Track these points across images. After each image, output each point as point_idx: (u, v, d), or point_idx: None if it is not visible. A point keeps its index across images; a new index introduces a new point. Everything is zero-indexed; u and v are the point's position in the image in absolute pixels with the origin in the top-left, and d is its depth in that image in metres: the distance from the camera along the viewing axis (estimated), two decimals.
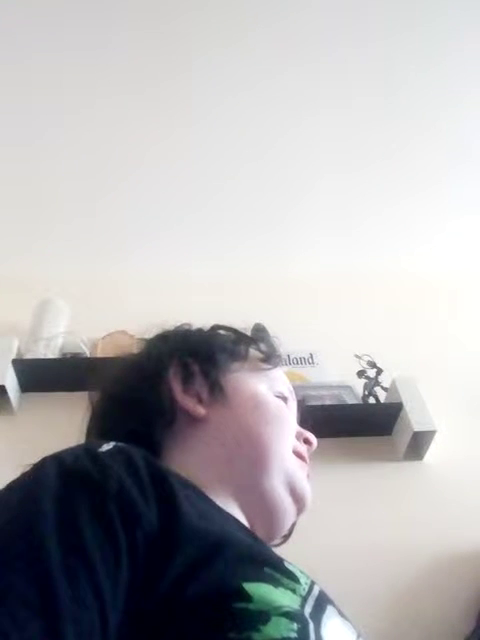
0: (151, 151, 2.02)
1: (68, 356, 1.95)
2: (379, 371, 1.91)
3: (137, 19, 1.74)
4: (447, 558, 1.64)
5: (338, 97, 1.93)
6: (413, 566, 1.63)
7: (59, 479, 0.59)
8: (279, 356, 0.97)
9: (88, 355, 1.93)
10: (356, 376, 1.91)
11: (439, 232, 2.31)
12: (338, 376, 1.95)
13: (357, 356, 1.90)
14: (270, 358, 0.95)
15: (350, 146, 2.05)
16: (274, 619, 0.55)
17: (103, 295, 2.09)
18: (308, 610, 0.62)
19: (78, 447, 0.66)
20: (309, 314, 2.09)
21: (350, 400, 1.90)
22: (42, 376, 1.86)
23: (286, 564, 0.67)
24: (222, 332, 0.98)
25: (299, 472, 0.84)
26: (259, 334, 1.04)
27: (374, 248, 2.32)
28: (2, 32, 1.73)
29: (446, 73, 1.91)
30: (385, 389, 1.91)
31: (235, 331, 0.98)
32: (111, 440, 0.74)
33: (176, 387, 0.86)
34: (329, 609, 0.66)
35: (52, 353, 1.92)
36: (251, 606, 0.55)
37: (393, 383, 1.88)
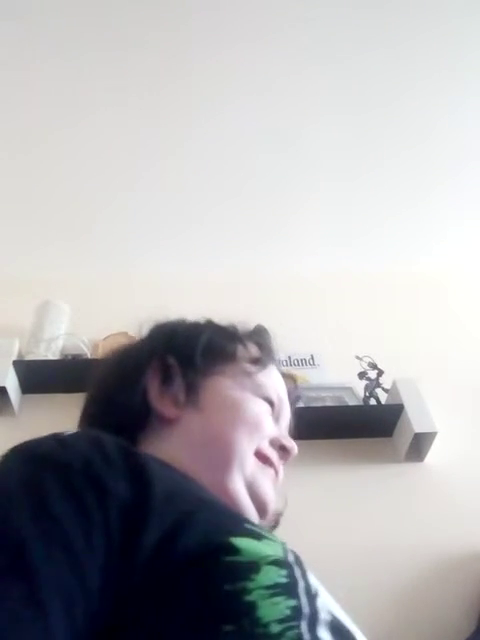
0: (152, 153, 2.02)
1: (69, 357, 1.95)
2: (380, 372, 1.91)
3: (138, 22, 1.74)
4: (448, 559, 1.64)
5: (342, 101, 1.93)
6: (414, 567, 1.63)
7: (25, 464, 0.61)
8: (272, 358, 0.94)
9: (89, 356, 1.93)
10: (357, 377, 1.91)
11: (440, 233, 2.31)
12: (339, 377, 1.95)
13: (358, 357, 1.90)
14: (260, 360, 0.91)
15: (351, 150, 2.05)
16: (264, 568, 0.57)
17: (104, 296, 2.09)
18: (291, 557, 0.63)
19: (44, 436, 0.68)
20: (310, 315, 2.09)
21: (351, 401, 1.90)
22: (43, 377, 1.86)
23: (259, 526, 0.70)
24: (214, 328, 0.95)
25: (261, 478, 0.81)
26: (255, 334, 0.97)
27: (375, 250, 2.32)
28: (4, 35, 1.73)
29: (449, 79, 1.91)
30: (386, 390, 1.91)
31: (227, 328, 0.95)
32: None
33: (152, 388, 0.85)
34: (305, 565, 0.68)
35: (53, 354, 1.93)
36: (241, 558, 0.57)
37: (394, 384, 1.88)
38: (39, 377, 1.86)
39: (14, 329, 1.98)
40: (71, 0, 1.68)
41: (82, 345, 1.95)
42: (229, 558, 0.57)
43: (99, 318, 1.99)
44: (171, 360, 0.87)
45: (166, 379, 0.86)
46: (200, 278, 2.12)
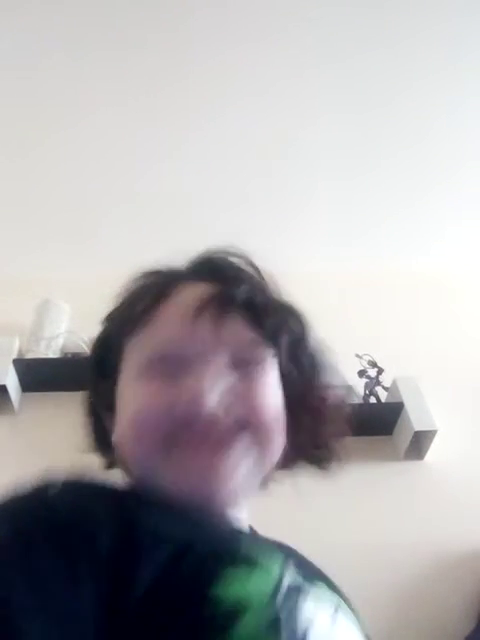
0: (152, 154, 2.02)
1: (69, 356, 1.95)
2: (380, 371, 1.91)
3: (139, 24, 1.74)
4: (448, 557, 1.65)
5: (341, 101, 1.93)
6: (414, 565, 1.63)
7: (12, 539, 0.55)
8: (158, 293, 0.71)
9: (89, 355, 1.93)
10: (357, 376, 1.91)
11: (440, 232, 2.31)
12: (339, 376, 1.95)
13: (358, 356, 1.90)
14: (145, 309, 0.70)
15: (351, 150, 2.05)
16: (245, 616, 0.54)
17: (104, 295, 2.09)
18: (282, 592, 0.59)
19: (27, 494, 0.60)
20: (309, 313, 2.09)
21: (351, 400, 1.90)
22: (43, 376, 1.86)
23: (258, 551, 0.63)
24: (112, 318, 0.82)
25: (159, 469, 0.64)
26: (137, 282, 0.78)
27: (375, 248, 2.32)
28: (4, 38, 1.74)
29: (448, 79, 1.91)
30: (386, 389, 1.91)
31: (116, 305, 0.81)
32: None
33: (103, 416, 0.75)
34: (303, 591, 0.63)
35: (53, 353, 1.93)
36: (221, 608, 0.53)
37: (394, 383, 1.89)
38: (39, 375, 1.86)
39: (14, 328, 1.99)
40: (72, 1, 1.69)
41: (82, 344, 1.95)
42: (209, 610, 0.53)
43: (99, 317, 1.98)
44: (96, 375, 0.77)
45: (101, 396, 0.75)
46: None
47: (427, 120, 2.00)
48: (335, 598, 0.70)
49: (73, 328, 2.00)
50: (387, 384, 1.90)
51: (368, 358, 1.91)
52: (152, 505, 0.62)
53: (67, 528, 0.55)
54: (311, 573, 0.72)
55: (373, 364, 1.91)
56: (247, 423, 0.65)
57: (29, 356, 1.91)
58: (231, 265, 0.77)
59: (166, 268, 0.80)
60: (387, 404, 1.88)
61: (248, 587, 0.57)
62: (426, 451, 1.81)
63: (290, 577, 0.63)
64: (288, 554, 0.72)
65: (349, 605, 0.73)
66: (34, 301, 2.03)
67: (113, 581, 0.52)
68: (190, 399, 0.63)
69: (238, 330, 0.68)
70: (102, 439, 0.75)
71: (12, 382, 1.83)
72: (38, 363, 1.89)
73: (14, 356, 1.88)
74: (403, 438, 1.82)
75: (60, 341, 1.97)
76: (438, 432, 1.77)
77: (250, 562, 0.59)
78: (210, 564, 0.57)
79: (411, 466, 1.82)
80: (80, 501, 0.58)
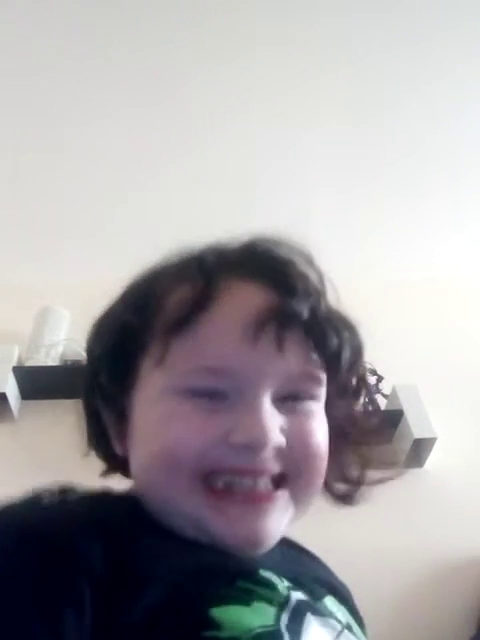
0: (154, 160, 2.02)
1: (69, 363, 1.95)
2: (379, 378, 1.91)
3: (145, 27, 1.75)
4: (447, 564, 1.64)
5: (341, 108, 1.94)
6: (413, 572, 1.63)
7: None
8: (204, 301, 0.57)
9: None
10: None
11: (438, 241, 2.31)
12: None
13: None
14: (180, 319, 0.57)
15: (350, 158, 2.06)
16: None
17: (103, 302, 2.09)
18: (285, 620, 0.56)
19: (19, 505, 0.56)
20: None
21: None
22: (43, 383, 1.86)
23: (262, 572, 0.59)
24: (127, 296, 0.68)
25: (206, 519, 0.57)
26: (197, 261, 0.62)
27: (375, 256, 2.32)
28: (7, 38, 1.74)
29: (449, 85, 1.91)
30: (385, 396, 1.91)
31: (143, 283, 0.67)
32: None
33: (110, 424, 0.65)
34: (308, 615, 0.59)
35: (53, 360, 1.93)
36: (220, 634, 0.50)
37: (393, 390, 1.89)
38: (39, 383, 1.86)
39: (14, 335, 1.98)
40: (75, 6, 1.69)
41: (82, 351, 1.94)
42: (208, 633, 0.50)
43: None
44: (98, 382, 0.64)
45: (106, 404, 0.65)
46: None
47: (427, 127, 2.01)
48: (344, 614, 0.66)
49: (73, 335, 1.99)
50: (387, 392, 1.90)
51: (367, 366, 1.91)
52: (151, 529, 0.58)
53: (58, 550, 0.51)
54: (323, 585, 0.69)
55: (373, 372, 1.91)
56: (297, 471, 0.59)
57: (29, 364, 1.91)
58: (293, 266, 0.64)
59: (208, 251, 0.64)
60: (387, 412, 1.88)
61: (249, 611, 0.54)
62: (426, 459, 1.81)
63: (295, 598, 0.60)
64: (300, 566, 0.70)
65: (357, 616, 0.71)
66: (34, 308, 2.03)
67: (105, 606, 0.49)
68: (248, 440, 0.55)
69: (298, 355, 0.58)
70: (102, 444, 0.67)
71: (12, 390, 1.83)
72: (38, 371, 1.89)
73: (14, 364, 1.87)
74: (403, 446, 1.82)
75: (60, 348, 1.96)
76: (438, 440, 1.77)
77: (250, 594, 0.56)
78: (211, 585, 0.54)
79: (410, 474, 1.81)
80: (72, 521, 0.54)
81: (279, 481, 0.59)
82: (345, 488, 0.70)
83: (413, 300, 2.28)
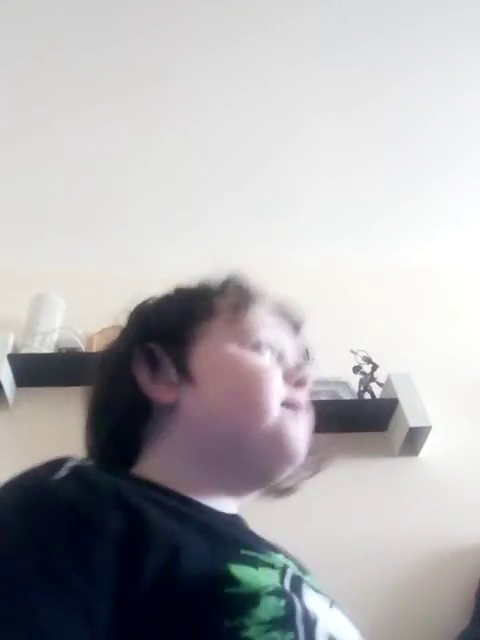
0: (149, 148, 2.02)
1: (63, 351, 1.95)
2: (375, 367, 1.91)
3: (139, 17, 1.73)
4: (443, 553, 1.65)
5: (336, 96, 1.93)
6: (408, 561, 1.64)
7: (19, 519, 0.57)
8: (253, 298, 0.88)
9: (83, 350, 1.93)
10: (352, 372, 1.91)
11: (434, 229, 2.31)
12: (333, 372, 1.95)
13: (353, 352, 1.90)
14: (241, 303, 0.86)
15: (345, 145, 2.05)
16: (263, 600, 0.55)
17: (99, 290, 2.09)
18: (287, 584, 0.62)
19: (33, 477, 0.64)
20: (304, 309, 2.08)
21: (345, 396, 1.90)
22: (37, 371, 1.86)
23: (261, 544, 0.67)
24: (183, 293, 0.91)
25: (286, 427, 0.77)
26: (229, 281, 0.91)
27: (370, 245, 2.32)
28: (4, 30, 1.73)
29: (444, 73, 1.90)
30: (380, 385, 1.91)
31: (197, 287, 0.91)
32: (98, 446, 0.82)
33: (143, 378, 0.80)
34: (304, 583, 0.67)
35: (48, 348, 1.93)
36: (239, 589, 0.55)
37: (388, 379, 1.89)
38: (34, 370, 1.85)
39: (9, 322, 1.98)
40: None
41: (77, 338, 1.95)
42: (228, 590, 0.55)
43: (94, 311, 1.97)
44: (151, 344, 0.82)
45: (154, 365, 0.81)
46: (194, 272, 2.11)
47: (423, 115, 2.00)
48: (327, 595, 0.72)
49: (68, 323, 1.99)
50: (382, 380, 1.91)
51: (363, 354, 1.91)
52: (161, 498, 0.66)
53: (75, 514, 0.56)
54: (302, 567, 0.77)
55: (368, 360, 1.91)
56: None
57: (24, 351, 1.90)
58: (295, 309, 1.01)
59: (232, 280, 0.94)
60: (382, 400, 1.89)
61: (259, 572, 0.59)
62: (421, 447, 1.81)
63: (292, 569, 0.66)
64: (281, 548, 0.76)
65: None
66: (29, 296, 2.02)
67: (122, 566, 0.54)
68: (305, 377, 0.83)
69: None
70: (128, 396, 0.80)
71: (6, 377, 1.83)
72: (33, 358, 1.88)
73: (8, 351, 1.87)
74: (398, 434, 1.82)
75: (55, 336, 1.96)
76: (433, 428, 1.77)
77: (256, 559, 0.62)
78: (224, 547, 0.62)
79: (406, 462, 1.82)
80: (87, 487, 0.60)
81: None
82: None
83: (408, 289, 2.28)
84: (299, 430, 0.78)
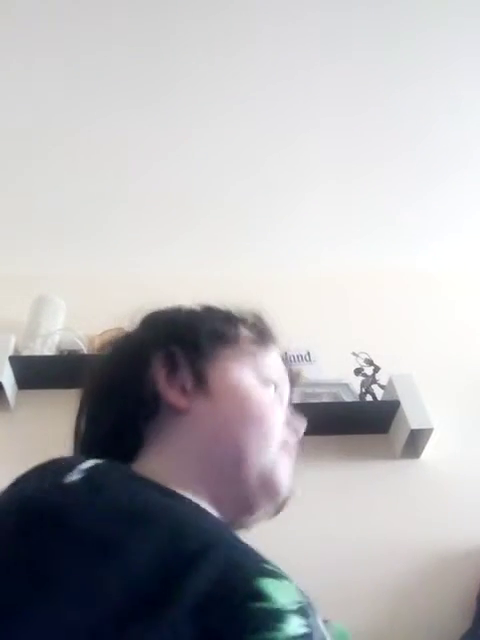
0: (151, 151, 2.02)
1: (65, 353, 1.95)
2: (376, 369, 1.91)
3: (141, 24, 1.73)
4: (444, 555, 1.65)
5: (340, 100, 1.93)
6: (410, 563, 1.64)
7: (27, 525, 0.57)
8: (272, 337, 0.93)
9: (85, 352, 1.93)
10: (353, 374, 1.91)
11: (436, 232, 2.31)
12: (335, 374, 1.95)
13: (354, 354, 1.90)
14: (261, 339, 0.91)
15: (349, 149, 2.05)
16: (290, 617, 0.54)
17: (100, 292, 2.09)
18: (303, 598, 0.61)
19: (42, 482, 0.63)
20: (306, 312, 2.09)
21: (347, 398, 1.90)
22: (39, 373, 1.86)
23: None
24: (212, 313, 0.94)
25: (279, 466, 0.80)
26: (251, 316, 0.95)
27: (372, 247, 2.32)
28: (6, 34, 1.73)
29: (448, 77, 1.90)
30: (382, 387, 1.91)
31: (225, 312, 0.93)
32: (92, 439, 0.83)
33: (160, 377, 0.82)
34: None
35: (49, 350, 1.93)
36: (268, 605, 0.54)
37: (390, 381, 1.89)
38: (35, 372, 1.86)
39: (10, 325, 1.98)
40: (70, 6, 1.69)
41: (78, 341, 1.95)
42: (258, 605, 0.53)
43: (95, 314, 1.98)
44: (175, 348, 0.84)
45: (172, 368, 0.83)
46: (196, 275, 2.11)
47: (427, 119, 2.00)
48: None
49: (69, 325, 1.99)
50: (383, 382, 1.90)
51: (365, 356, 1.91)
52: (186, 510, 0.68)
53: (87, 522, 0.56)
54: None
55: (369, 362, 1.91)
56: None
57: (25, 353, 1.90)
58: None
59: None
60: (383, 402, 1.88)
61: (284, 586, 0.58)
62: (422, 449, 1.81)
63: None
64: None
65: None
66: (30, 298, 2.03)
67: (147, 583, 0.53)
68: (300, 428, 0.88)
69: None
70: (135, 391, 0.82)
71: (8, 379, 1.83)
72: (34, 360, 1.88)
73: (10, 353, 1.87)
74: (399, 436, 1.82)
75: (56, 338, 1.96)
76: (434, 430, 1.77)
77: (277, 574, 0.60)
78: (248, 559, 0.60)
79: (407, 464, 1.82)
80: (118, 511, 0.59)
81: None
82: None
83: (410, 292, 2.28)
84: (288, 474, 0.82)
